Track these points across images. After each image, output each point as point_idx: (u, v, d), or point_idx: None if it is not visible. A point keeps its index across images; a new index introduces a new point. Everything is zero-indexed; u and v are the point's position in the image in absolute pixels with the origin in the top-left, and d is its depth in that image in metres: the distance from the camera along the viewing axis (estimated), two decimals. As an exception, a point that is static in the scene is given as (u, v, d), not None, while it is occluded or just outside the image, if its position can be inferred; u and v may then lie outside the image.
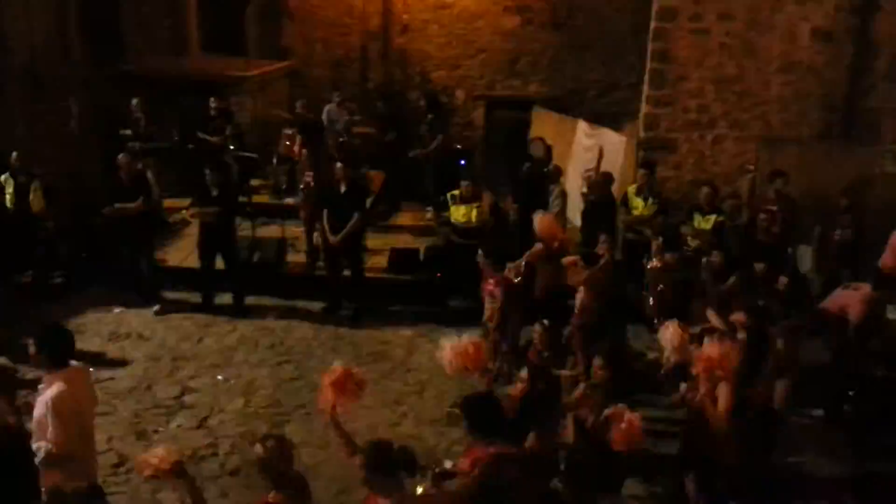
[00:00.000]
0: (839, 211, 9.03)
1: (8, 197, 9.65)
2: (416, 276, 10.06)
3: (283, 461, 4.11)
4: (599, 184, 9.74)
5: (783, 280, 7.85)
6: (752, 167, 10.06)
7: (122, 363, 8.34)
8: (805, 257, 9.14)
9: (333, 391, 4.70)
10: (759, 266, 7.97)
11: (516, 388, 5.57)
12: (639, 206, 9.18)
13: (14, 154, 9.64)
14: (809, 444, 6.99)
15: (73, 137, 11.46)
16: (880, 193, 9.54)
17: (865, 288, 7.60)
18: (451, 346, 5.32)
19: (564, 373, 6.86)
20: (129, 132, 11.19)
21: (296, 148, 11.12)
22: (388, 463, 3.99)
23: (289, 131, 11.45)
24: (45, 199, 9.76)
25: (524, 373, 5.43)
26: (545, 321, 6.77)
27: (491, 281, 7.85)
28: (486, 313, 8.00)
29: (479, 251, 8.08)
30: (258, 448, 4.12)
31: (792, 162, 9.76)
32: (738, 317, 6.46)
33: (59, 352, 4.73)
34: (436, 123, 11.85)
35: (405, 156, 12.21)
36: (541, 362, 6.79)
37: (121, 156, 9.52)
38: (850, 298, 7.55)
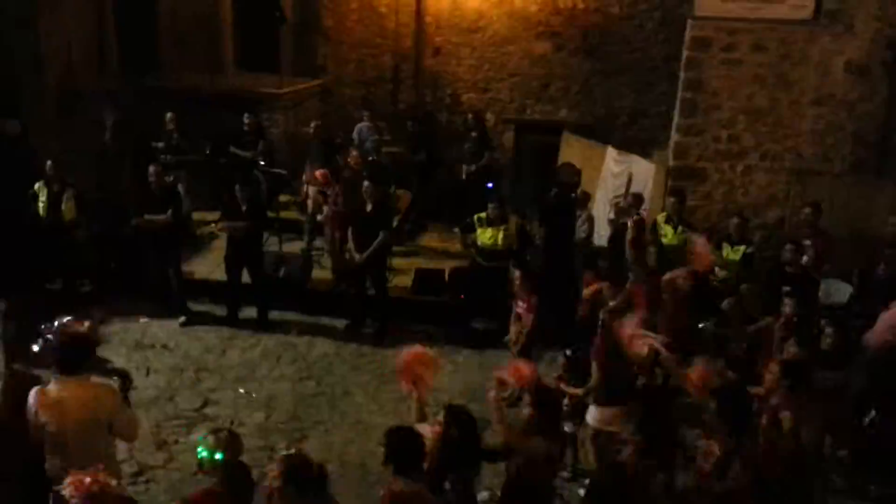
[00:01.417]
0: (882, 245, 8.89)
1: (41, 205, 9.80)
2: (440, 297, 10.05)
3: (233, 453, 4.32)
4: (631, 204, 9.74)
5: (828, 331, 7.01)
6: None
7: (146, 373, 8.40)
8: (839, 292, 8.99)
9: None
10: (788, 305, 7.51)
11: (433, 430, 4.87)
12: (668, 233, 9.12)
13: (49, 163, 9.80)
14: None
15: (106, 149, 11.62)
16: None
17: None
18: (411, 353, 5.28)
19: (573, 391, 6.79)
20: (161, 145, 11.34)
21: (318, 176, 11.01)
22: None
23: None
24: (76, 208, 9.90)
25: (441, 416, 4.83)
26: (570, 350, 6.77)
27: (522, 304, 7.81)
28: (511, 336, 7.96)
29: (516, 271, 8.01)
30: (209, 439, 4.32)
31: (823, 195, 9.67)
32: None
33: (68, 358, 4.70)
34: (480, 142, 11.92)
35: (433, 176, 12.27)
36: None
37: (152, 168, 9.65)
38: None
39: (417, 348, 5.33)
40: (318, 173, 10.39)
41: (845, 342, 6.46)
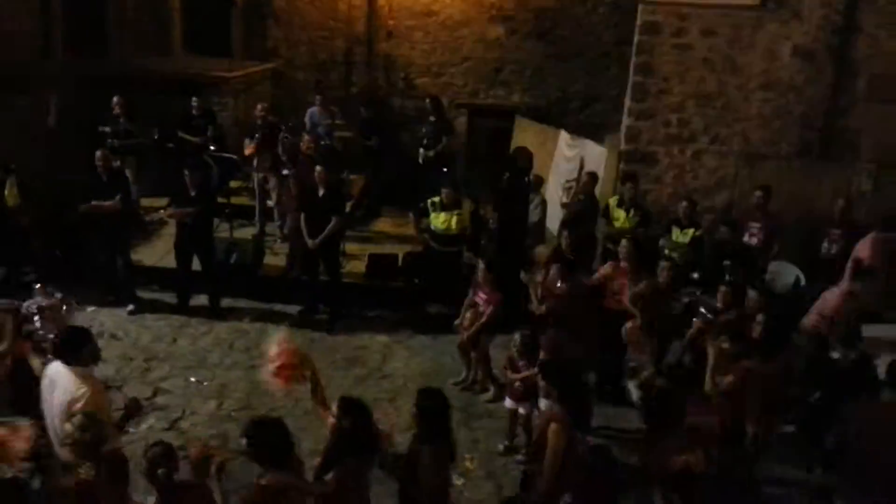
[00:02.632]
0: (829, 225, 9.10)
1: (-18, 192, 9.54)
2: (393, 283, 10.03)
3: (99, 438, 4.48)
4: (585, 184, 9.81)
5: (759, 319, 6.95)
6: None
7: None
8: (787, 274, 9.18)
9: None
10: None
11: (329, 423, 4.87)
12: (620, 217, 9.21)
13: (-10, 149, 9.53)
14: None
15: (51, 133, 11.34)
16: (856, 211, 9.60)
17: (844, 284, 7.66)
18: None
19: (516, 376, 6.85)
20: (108, 129, 11.08)
21: (247, 151, 10.94)
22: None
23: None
24: (20, 194, 9.65)
25: (335, 408, 4.79)
26: (524, 331, 6.80)
27: (482, 296, 7.81)
28: (464, 321, 7.96)
29: (480, 263, 8.01)
30: (68, 426, 4.46)
31: (772, 178, 9.84)
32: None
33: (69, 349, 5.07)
34: (439, 126, 11.86)
35: (386, 161, 12.20)
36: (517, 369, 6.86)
37: (99, 152, 9.43)
38: (830, 298, 7.60)
39: (283, 347, 5.08)
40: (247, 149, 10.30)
41: (774, 331, 6.46)
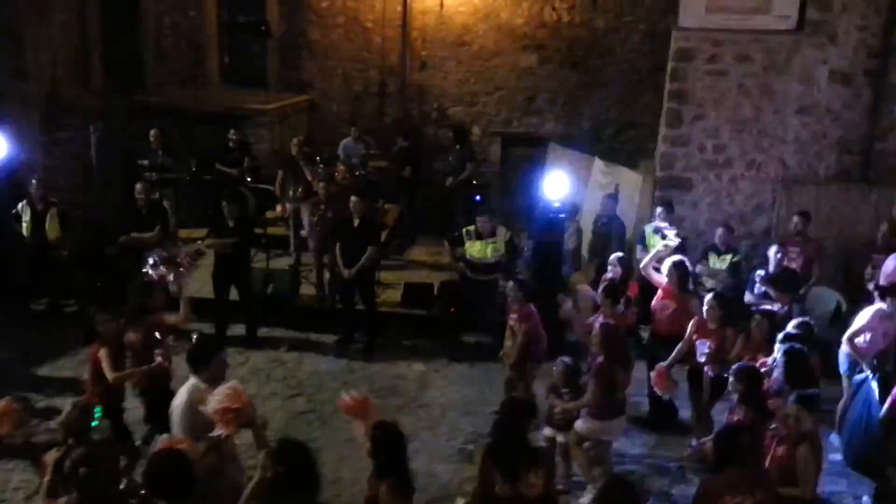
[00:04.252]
0: (872, 250, 8.96)
1: (25, 225, 9.74)
2: (429, 311, 10.02)
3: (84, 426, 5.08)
4: (605, 206, 9.75)
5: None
6: None
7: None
8: (826, 299, 9.04)
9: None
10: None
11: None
12: (656, 244, 9.11)
13: (33, 182, 9.73)
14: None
15: (91, 166, 11.55)
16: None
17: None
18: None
19: (570, 406, 6.75)
20: (146, 162, 11.27)
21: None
22: None
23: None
24: (61, 227, 9.84)
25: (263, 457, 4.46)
26: (567, 359, 6.75)
27: (513, 315, 7.75)
28: (505, 349, 7.90)
29: (510, 282, 7.92)
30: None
31: (810, 203, 9.74)
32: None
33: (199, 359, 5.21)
34: (463, 154, 11.93)
35: (421, 190, 12.26)
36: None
37: (138, 185, 9.60)
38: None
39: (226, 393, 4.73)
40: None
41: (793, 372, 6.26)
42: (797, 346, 6.18)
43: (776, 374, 6.12)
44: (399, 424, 4.96)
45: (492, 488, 4.53)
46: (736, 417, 5.80)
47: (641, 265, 8.09)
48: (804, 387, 5.79)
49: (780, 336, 6.58)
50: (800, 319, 7.08)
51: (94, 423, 5.30)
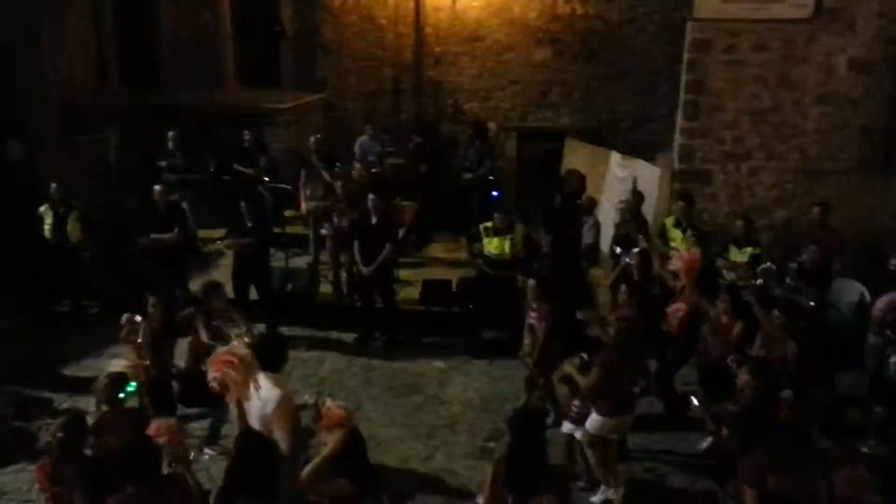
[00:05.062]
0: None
1: (46, 227, 9.82)
2: (448, 308, 10.02)
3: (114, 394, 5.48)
4: (629, 203, 9.69)
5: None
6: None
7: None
8: (850, 291, 8.94)
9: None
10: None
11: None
12: (676, 237, 9.07)
13: (53, 185, 9.81)
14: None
15: (110, 169, 11.63)
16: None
17: None
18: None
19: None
20: (164, 164, 11.33)
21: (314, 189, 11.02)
22: None
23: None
24: (82, 229, 9.91)
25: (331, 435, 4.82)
26: (585, 356, 6.72)
27: (533, 314, 7.73)
28: (526, 348, 7.87)
29: (531, 281, 7.89)
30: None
31: (831, 193, 9.63)
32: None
33: (274, 357, 5.25)
34: (482, 150, 11.92)
35: (437, 187, 12.26)
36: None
37: (156, 187, 9.65)
38: None
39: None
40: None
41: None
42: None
43: None
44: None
45: None
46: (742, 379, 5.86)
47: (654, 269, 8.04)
48: None
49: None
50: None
51: (124, 394, 5.61)
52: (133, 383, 5.79)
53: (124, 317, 7.24)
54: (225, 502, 4.38)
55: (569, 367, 6.73)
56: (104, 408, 5.58)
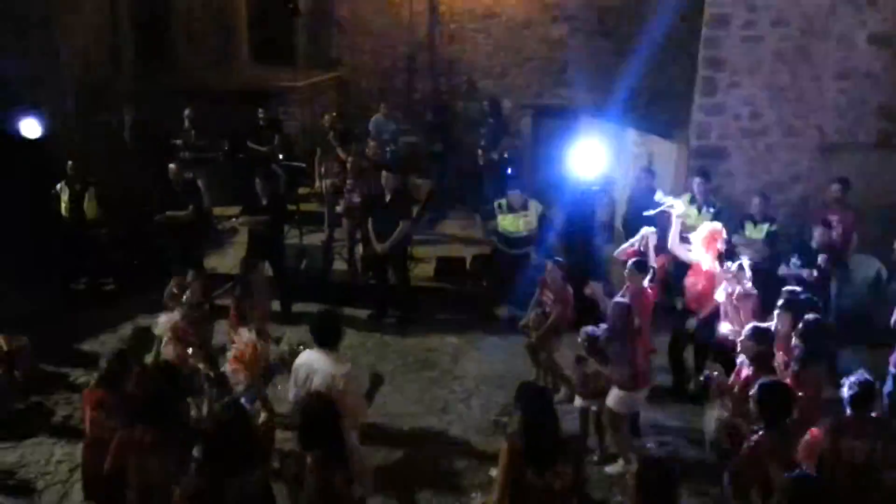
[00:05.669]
0: None
1: (63, 205, 9.89)
2: (462, 285, 10.02)
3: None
4: (640, 181, 9.61)
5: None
6: None
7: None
8: (868, 266, 8.87)
9: None
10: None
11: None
12: (692, 215, 8.99)
13: (70, 163, 9.87)
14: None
15: (126, 147, 11.67)
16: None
17: None
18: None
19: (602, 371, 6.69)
20: (180, 142, 11.37)
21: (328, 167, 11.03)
22: None
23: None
24: (98, 207, 9.99)
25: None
26: (590, 329, 6.71)
27: (550, 295, 7.71)
28: (530, 322, 7.86)
29: (549, 263, 7.83)
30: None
31: (849, 170, 9.51)
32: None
33: (329, 334, 5.34)
34: (497, 128, 11.87)
35: (452, 165, 12.24)
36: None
37: (172, 165, 9.69)
38: None
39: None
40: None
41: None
42: (817, 317, 6.01)
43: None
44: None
45: (520, 480, 4.51)
46: (744, 374, 5.78)
47: (669, 244, 7.94)
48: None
49: (780, 301, 6.42)
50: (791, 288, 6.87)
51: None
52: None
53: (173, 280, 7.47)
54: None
55: (592, 364, 6.72)
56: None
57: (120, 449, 4.71)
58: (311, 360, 5.29)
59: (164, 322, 6.73)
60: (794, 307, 6.20)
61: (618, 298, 6.68)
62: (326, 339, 5.32)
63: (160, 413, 4.69)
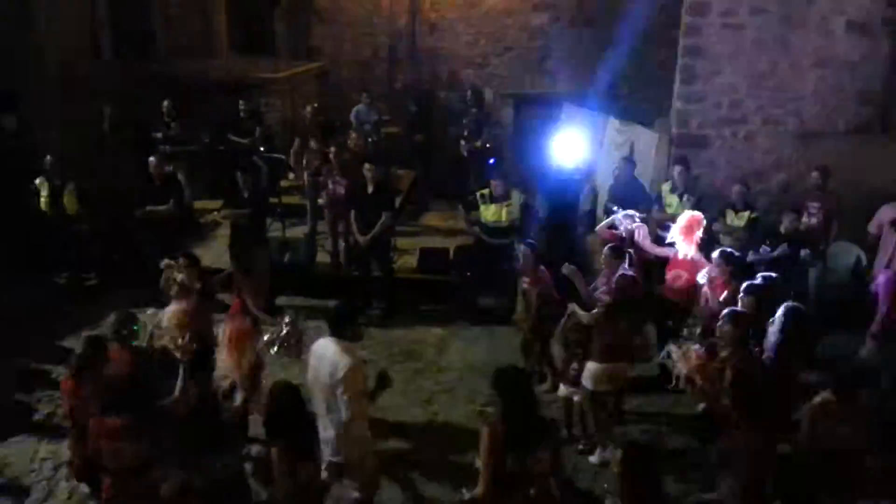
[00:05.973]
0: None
1: (42, 200, 9.80)
2: (446, 276, 10.03)
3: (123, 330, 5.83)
4: (622, 166, 9.64)
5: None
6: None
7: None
8: (848, 253, 8.95)
9: None
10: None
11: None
12: (673, 203, 9.05)
13: (48, 157, 9.77)
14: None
15: (105, 140, 11.57)
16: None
17: None
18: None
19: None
20: (159, 135, 11.28)
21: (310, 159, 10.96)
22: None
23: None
24: (78, 201, 9.91)
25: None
26: (529, 242, 6.82)
27: (526, 279, 7.72)
28: (519, 314, 7.88)
29: (522, 247, 7.81)
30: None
31: (828, 158, 9.58)
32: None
33: (345, 326, 5.42)
34: (480, 119, 11.86)
35: (434, 155, 12.22)
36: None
37: (152, 158, 9.62)
38: None
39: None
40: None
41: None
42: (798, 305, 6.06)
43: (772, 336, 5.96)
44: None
45: (503, 466, 4.54)
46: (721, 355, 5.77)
47: (643, 246, 7.97)
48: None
49: (743, 286, 6.47)
50: (765, 273, 6.94)
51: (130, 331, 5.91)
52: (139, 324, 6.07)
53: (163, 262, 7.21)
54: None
55: (572, 307, 6.81)
56: (112, 344, 5.80)
57: (94, 435, 4.81)
58: (323, 347, 5.40)
59: (172, 311, 6.50)
60: (756, 290, 6.32)
61: (624, 271, 6.75)
62: (339, 327, 5.40)
63: (130, 401, 4.79)
